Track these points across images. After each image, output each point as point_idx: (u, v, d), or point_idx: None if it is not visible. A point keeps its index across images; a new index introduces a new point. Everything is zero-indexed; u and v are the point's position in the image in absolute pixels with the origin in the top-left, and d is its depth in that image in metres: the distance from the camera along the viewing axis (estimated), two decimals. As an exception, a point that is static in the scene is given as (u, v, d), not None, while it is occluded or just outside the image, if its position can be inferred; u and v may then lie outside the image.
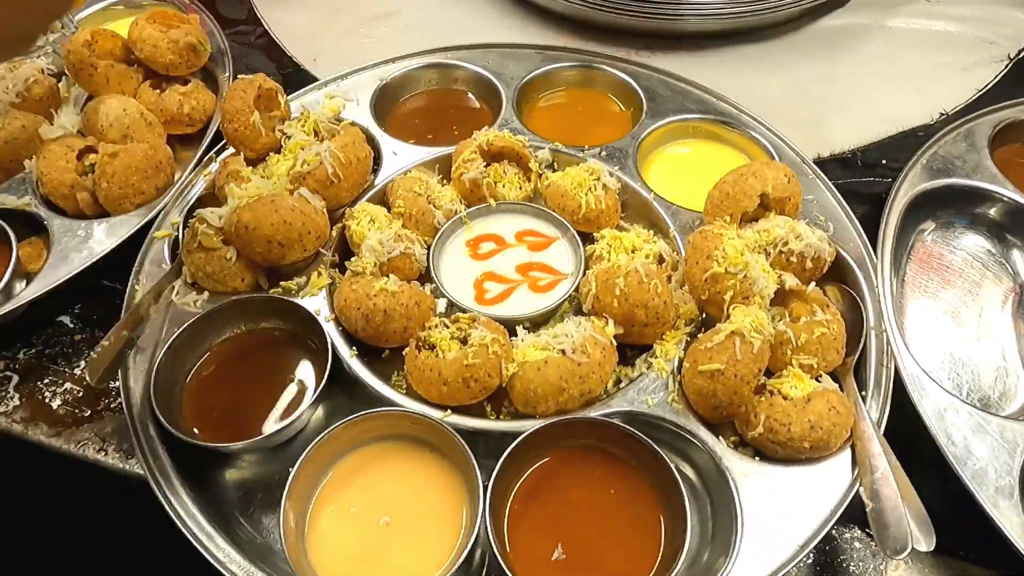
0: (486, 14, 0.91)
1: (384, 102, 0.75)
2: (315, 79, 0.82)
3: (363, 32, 0.89)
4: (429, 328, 0.55)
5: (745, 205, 0.57)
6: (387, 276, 0.56)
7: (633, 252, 0.60)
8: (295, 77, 0.83)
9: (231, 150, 0.69)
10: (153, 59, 0.72)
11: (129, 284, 0.59)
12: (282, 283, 0.59)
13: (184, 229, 0.63)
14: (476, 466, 0.48)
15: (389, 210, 0.64)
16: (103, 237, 0.62)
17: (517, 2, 0.91)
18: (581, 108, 0.77)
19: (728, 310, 0.53)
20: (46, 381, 0.58)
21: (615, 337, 0.54)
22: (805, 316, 0.54)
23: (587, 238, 0.63)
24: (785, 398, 0.50)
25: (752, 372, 0.50)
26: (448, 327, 0.55)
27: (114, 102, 0.68)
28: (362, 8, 0.92)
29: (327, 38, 0.88)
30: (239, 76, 0.66)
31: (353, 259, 0.58)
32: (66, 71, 0.74)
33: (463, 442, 0.49)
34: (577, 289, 0.59)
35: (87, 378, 0.53)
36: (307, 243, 0.59)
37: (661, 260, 0.60)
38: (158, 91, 0.71)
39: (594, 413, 0.52)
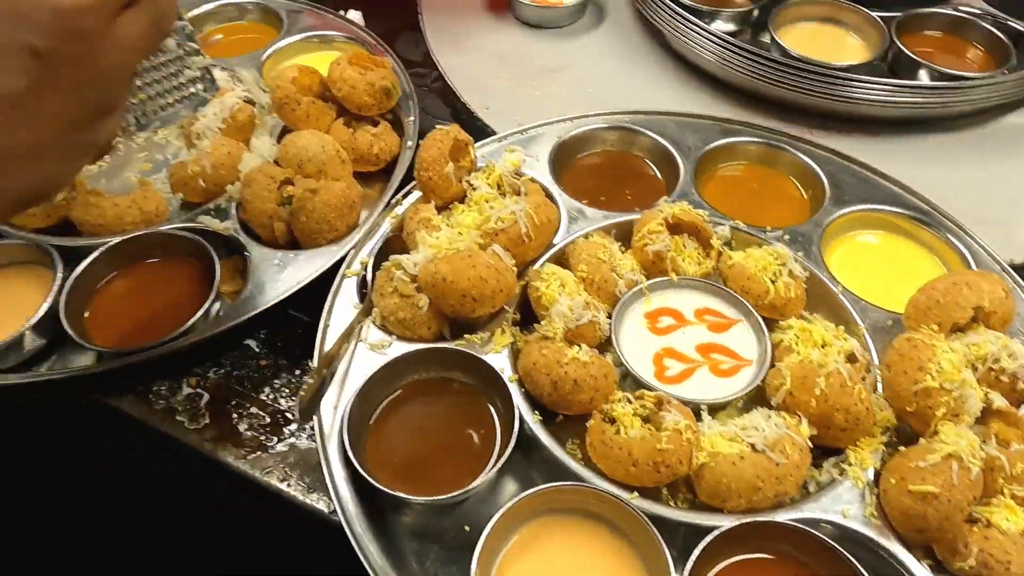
0: (656, 78, 0.91)
1: (561, 159, 0.76)
2: (487, 126, 0.84)
3: (533, 85, 0.91)
4: (612, 402, 0.55)
5: (956, 316, 0.55)
6: (578, 345, 0.56)
7: (823, 347, 0.58)
8: (468, 124, 0.85)
9: (415, 194, 0.71)
10: (349, 99, 0.75)
11: (321, 320, 0.61)
12: (466, 336, 0.60)
13: (374, 271, 0.65)
14: (667, 554, 0.47)
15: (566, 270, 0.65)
16: (297, 269, 0.65)
17: (688, 68, 0.92)
18: (757, 185, 0.76)
19: (935, 426, 0.51)
20: (233, 403, 0.61)
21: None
22: (1016, 442, 0.51)
23: (768, 324, 0.62)
24: (1000, 531, 0.48)
25: (968, 499, 0.47)
26: (631, 402, 0.55)
27: (313, 138, 0.71)
28: (532, 60, 0.94)
29: (498, 88, 0.90)
30: (437, 126, 0.69)
31: (544, 323, 0.58)
32: (261, 102, 0.79)
33: (653, 528, 0.48)
34: (763, 379, 0.58)
35: (297, 416, 0.55)
36: (497, 300, 0.60)
37: (851, 359, 0.58)
38: (351, 130, 0.74)
39: (783, 517, 0.50)
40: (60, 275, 0.63)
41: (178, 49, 0.57)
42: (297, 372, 0.63)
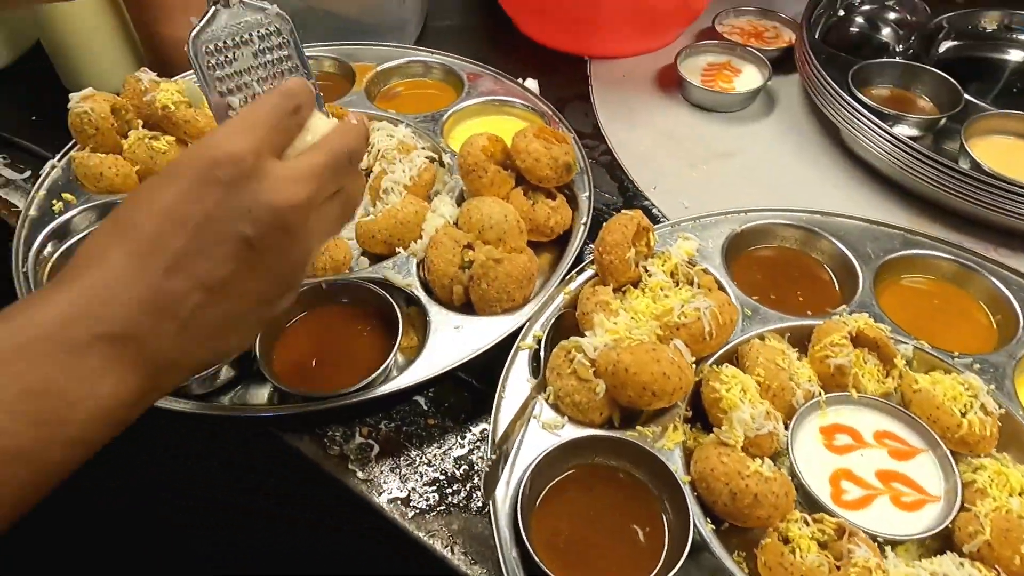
0: (829, 174, 0.90)
1: (733, 251, 0.76)
2: (653, 205, 0.85)
3: (701, 168, 0.91)
4: (789, 521, 0.54)
5: None
6: (760, 458, 0.55)
7: (1022, 495, 0.55)
8: (634, 202, 0.86)
9: (588, 271, 0.73)
10: (532, 171, 0.77)
11: (497, 391, 0.62)
12: (638, 427, 0.60)
13: (547, 346, 0.66)
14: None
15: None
16: (474, 335, 0.67)
17: (863, 168, 0.90)
18: (940, 302, 0.73)
19: None
20: (402, 459, 0.63)
21: (1006, 596, 0.50)
22: None
23: (953, 457, 0.59)
24: None
25: None
26: (809, 524, 0.54)
27: (496, 207, 0.73)
28: (701, 143, 0.94)
29: (666, 167, 0.91)
30: (623, 211, 0.70)
31: (724, 428, 0.58)
32: (443, 162, 0.83)
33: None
34: (953, 521, 0.55)
35: (482, 495, 0.57)
36: (675, 396, 0.59)
37: (1051, 512, 0.55)
38: (530, 201, 0.77)
39: None
40: (258, 313, 0.67)
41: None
42: (461, 436, 0.65)
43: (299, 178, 0.43)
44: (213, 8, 0.51)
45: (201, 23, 0.51)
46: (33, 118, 0.95)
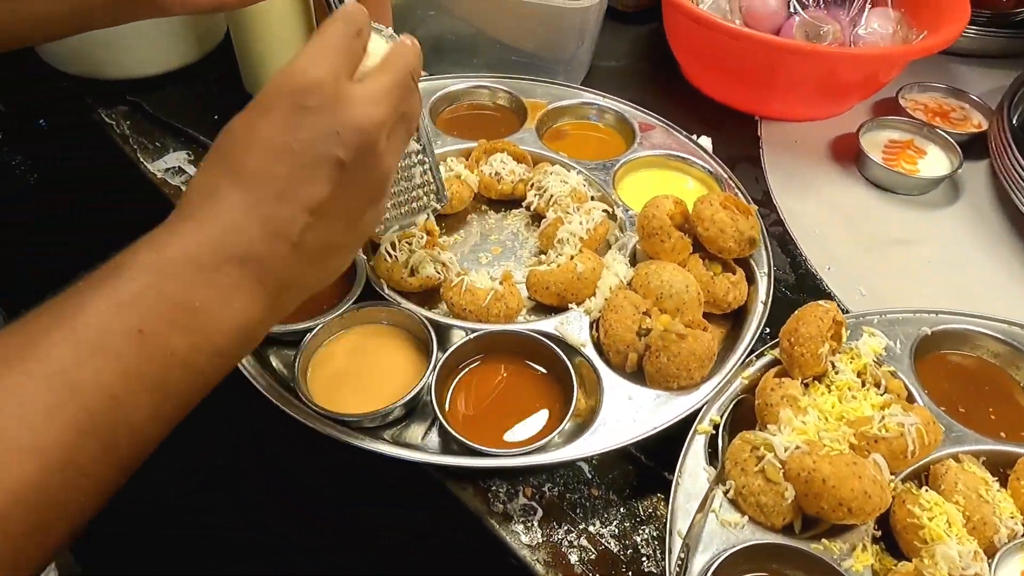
0: (1019, 283, 0.84)
1: (920, 354, 0.71)
2: (826, 287, 0.82)
3: (877, 254, 0.87)
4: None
5: None
6: (966, 603, 0.52)
7: None
8: (807, 282, 0.83)
9: (767, 358, 0.70)
10: (714, 241, 0.75)
11: (675, 478, 0.60)
12: (824, 540, 0.57)
13: (724, 432, 0.64)
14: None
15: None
16: (648, 411, 0.65)
17: (1058, 276, 0.84)
18: None
19: None
20: (565, 528, 0.61)
21: None
22: None
23: None
24: None
25: None
26: None
27: (678, 275, 0.71)
28: (879, 226, 0.90)
29: (840, 247, 0.87)
30: (817, 303, 0.67)
31: (925, 560, 0.54)
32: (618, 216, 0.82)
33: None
34: None
35: None
36: (871, 516, 0.56)
37: None
38: (710, 272, 0.74)
39: None
40: (435, 354, 0.67)
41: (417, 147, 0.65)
42: (627, 512, 0.63)
43: (376, 99, 0.46)
44: None
45: None
46: (216, 117, 0.99)
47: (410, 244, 0.75)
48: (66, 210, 1.16)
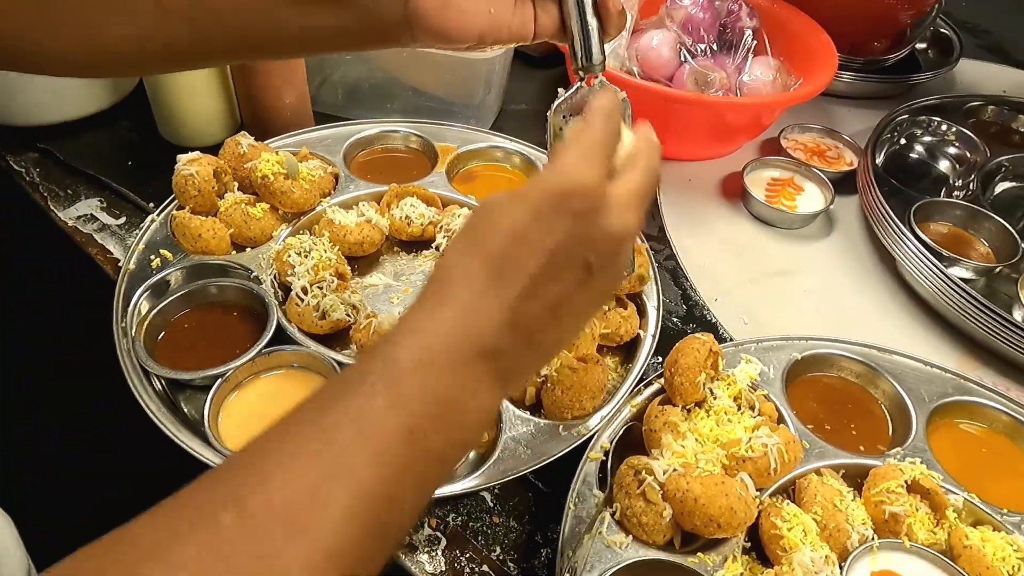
0: (883, 304, 0.93)
1: (791, 377, 0.79)
2: (713, 317, 0.89)
3: (760, 284, 0.95)
4: (842, 669, 0.56)
5: None
6: (819, 604, 0.58)
7: (1066, 670, 0.57)
8: (695, 314, 0.90)
9: (653, 387, 0.76)
10: (607, 279, 0.81)
11: (567, 501, 0.65)
12: (700, 553, 0.63)
13: (613, 457, 0.69)
14: None
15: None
16: (546, 440, 0.70)
17: (915, 301, 0.94)
18: (990, 455, 0.75)
19: None
20: (467, 556, 0.65)
21: None
22: None
23: (999, 619, 0.61)
24: None
25: None
26: (859, 674, 0.56)
27: (573, 312, 0.77)
28: (762, 258, 0.98)
29: (727, 279, 0.94)
30: (696, 335, 0.73)
31: (784, 567, 0.60)
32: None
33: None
34: None
35: None
36: (739, 530, 0.62)
37: None
38: (604, 309, 0.80)
39: None
40: (343, 395, 0.70)
41: None
42: (526, 537, 0.67)
43: (632, 205, 0.46)
44: (578, 84, 0.60)
45: (567, 94, 0.60)
46: (129, 163, 1.00)
47: (321, 288, 0.78)
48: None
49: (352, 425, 0.38)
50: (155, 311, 0.77)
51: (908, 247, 0.92)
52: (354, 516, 0.36)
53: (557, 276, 0.43)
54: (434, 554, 0.65)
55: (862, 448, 0.74)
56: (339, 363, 0.73)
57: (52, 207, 0.92)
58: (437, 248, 0.90)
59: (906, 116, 1.12)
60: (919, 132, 1.13)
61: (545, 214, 0.43)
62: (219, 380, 0.70)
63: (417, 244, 0.92)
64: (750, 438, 0.66)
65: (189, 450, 0.66)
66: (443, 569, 0.64)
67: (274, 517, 0.35)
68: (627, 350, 0.82)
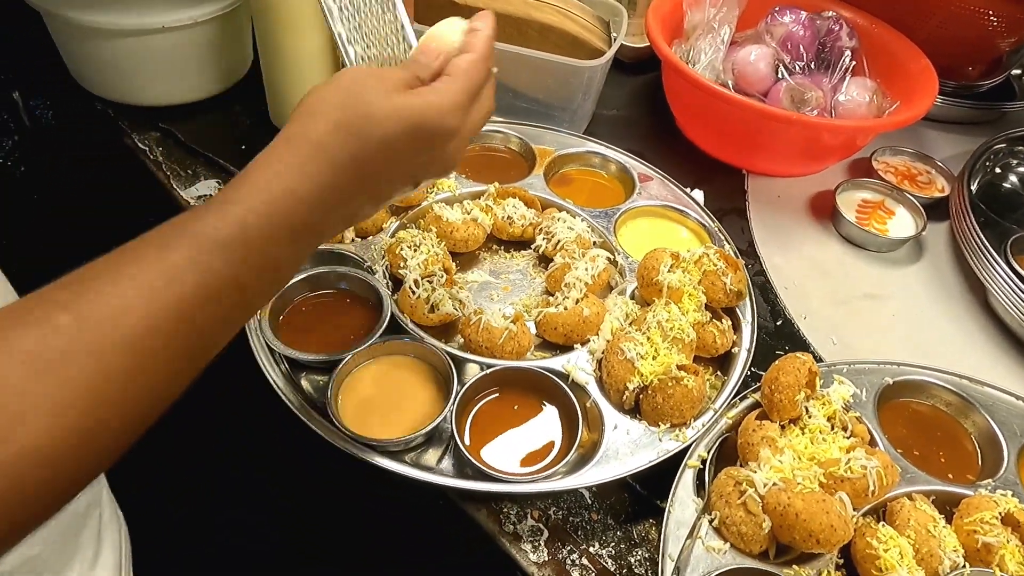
0: (974, 338, 0.94)
1: (883, 401, 0.80)
2: (802, 335, 0.91)
3: (851, 307, 0.96)
4: None
5: None
6: (915, 625, 0.60)
7: None
8: (785, 331, 0.92)
9: (748, 401, 0.78)
10: (710, 294, 0.83)
11: (667, 506, 0.68)
12: (795, 566, 0.65)
13: (710, 466, 0.72)
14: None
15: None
16: (645, 446, 0.73)
17: (1005, 333, 0.94)
18: (1080, 492, 0.77)
19: None
20: (567, 549, 0.69)
21: None
22: None
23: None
24: None
25: None
26: None
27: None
28: (851, 281, 0.99)
29: (815, 299, 0.96)
30: (795, 354, 0.76)
31: (881, 589, 0.63)
32: (619, 262, 0.90)
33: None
34: None
35: None
36: (836, 547, 0.65)
37: None
38: (701, 320, 0.83)
39: None
40: (456, 385, 0.74)
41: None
42: (623, 536, 0.71)
43: (475, 129, 0.56)
44: None
45: None
46: (243, 147, 1.05)
47: (431, 282, 0.82)
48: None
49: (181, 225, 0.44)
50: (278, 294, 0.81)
51: (1002, 278, 0.92)
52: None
53: (393, 181, 0.54)
54: (537, 544, 0.69)
55: (950, 476, 0.76)
56: (451, 355, 0.77)
57: (175, 185, 0.98)
58: (536, 249, 0.93)
59: (1003, 145, 1.12)
60: (1015, 162, 1.13)
61: (415, 142, 0.51)
62: (339, 364, 0.75)
63: (515, 244, 0.96)
64: (848, 459, 0.68)
65: (314, 428, 0.70)
66: (546, 559, 0.68)
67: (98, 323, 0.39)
68: (721, 363, 0.85)
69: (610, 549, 0.70)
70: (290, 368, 0.78)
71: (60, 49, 1.07)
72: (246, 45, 1.13)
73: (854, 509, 0.69)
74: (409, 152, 0.52)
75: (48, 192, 1.24)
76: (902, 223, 1.05)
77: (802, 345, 0.90)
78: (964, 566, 0.67)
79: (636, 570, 0.68)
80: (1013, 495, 0.71)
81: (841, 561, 0.67)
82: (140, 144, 1.03)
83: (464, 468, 0.71)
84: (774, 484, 0.66)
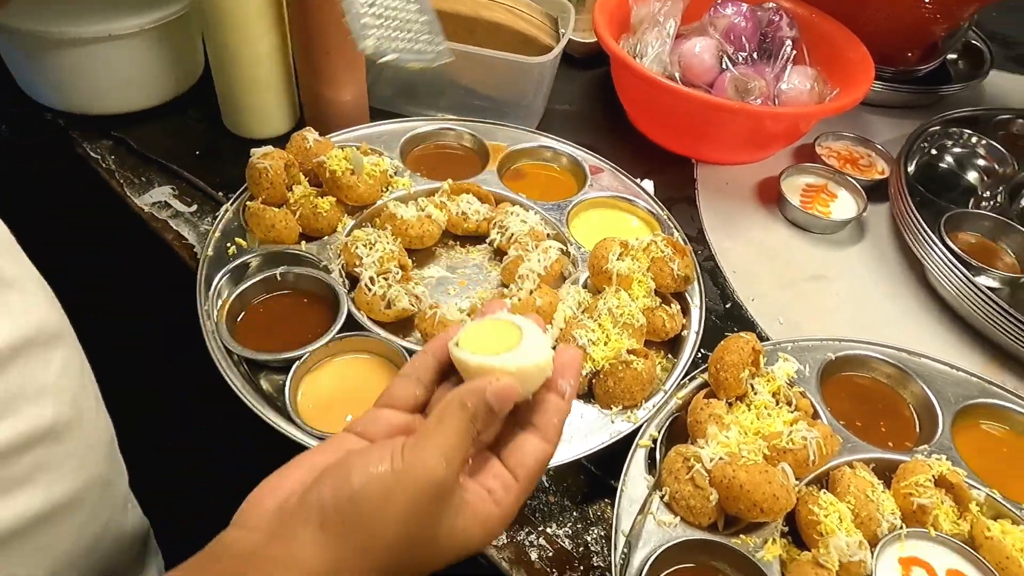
0: (912, 311, 0.98)
1: (825, 376, 0.84)
2: (750, 316, 0.94)
3: (794, 287, 1.00)
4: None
5: None
6: (851, 582, 0.64)
7: (1077, 651, 0.63)
8: (734, 313, 0.95)
9: (697, 381, 0.81)
10: (659, 280, 0.86)
11: (619, 485, 0.71)
12: (742, 535, 0.68)
13: (661, 445, 0.75)
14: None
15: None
16: (597, 428, 0.76)
17: (943, 309, 0.98)
18: (1009, 452, 0.81)
19: None
20: (526, 530, 0.71)
21: None
22: None
23: (1016, 605, 0.66)
24: None
25: None
26: (888, 649, 0.62)
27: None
28: (797, 262, 1.03)
29: (763, 281, 0.99)
30: (739, 334, 0.79)
31: (821, 551, 0.66)
32: (571, 253, 0.92)
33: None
34: (1015, 664, 0.62)
35: None
36: (779, 515, 0.68)
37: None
38: (651, 306, 0.86)
39: None
40: (412, 380, 0.75)
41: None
42: (579, 516, 0.73)
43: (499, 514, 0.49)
44: None
45: None
46: (197, 152, 1.05)
47: (387, 279, 0.84)
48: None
49: None
50: (234, 295, 0.82)
51: (937, 255, 0.96)
52: None
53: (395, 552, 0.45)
54: (496, 529, 0.71)
55: (890, 444, 0.80)
56: (407, 350, 0.78)
57: (128, 193, 0.98)
58: (490, 243, 0.95)
59: (938, 127, 1.17)
60: (950, 143, 1.17)
61: (407, 511, 0.44)
62: (297, 362, 0.76)
63: (471, 239, 0.98)
64: (791, 431, 0.72)
65: (274, 425, 0.72)
66: (504, 542, 0.70)
67: None
68: (671, 345, 0.87)
69: (567, 529, 0.72)
70: (249, 369, 0.79)
71: (5, 59, 1.06)
72: (197, 50, 1.13)
73: (797, 479, 0.72)
74: (411, 517, 0.45)
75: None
76: (844, 205, 1.09)
77: (750, 326, 0.93)
78: (901, 527, 0.70)
79: (592, 548, 0.71)
80: (947, 459, 0.75)
81: (786, 529, 0.70)
82: (92, 153, 1.02)
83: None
84: (720, 458, 0.69)
